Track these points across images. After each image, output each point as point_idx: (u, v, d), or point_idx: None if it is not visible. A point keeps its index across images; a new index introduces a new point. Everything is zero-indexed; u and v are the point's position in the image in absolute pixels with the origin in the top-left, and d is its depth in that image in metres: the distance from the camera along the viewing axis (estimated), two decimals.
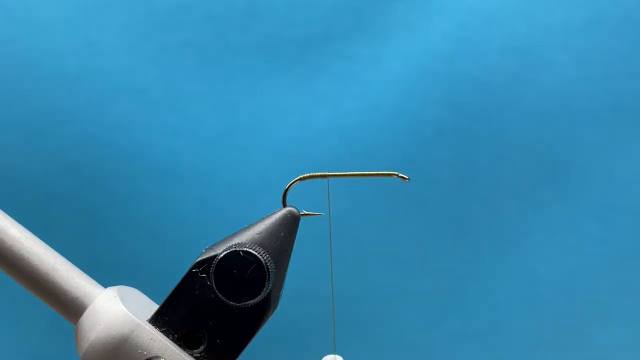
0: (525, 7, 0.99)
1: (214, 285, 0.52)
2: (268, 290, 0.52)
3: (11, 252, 0.53)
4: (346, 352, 0.64)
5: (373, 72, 0.99)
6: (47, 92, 0.97)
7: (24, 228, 0.55)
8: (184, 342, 0.52)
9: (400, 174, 0.57)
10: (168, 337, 0.52)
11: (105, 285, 0.56)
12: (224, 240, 0.54)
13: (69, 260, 0.55)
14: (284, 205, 0.56)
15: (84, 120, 0.97)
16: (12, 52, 0.96)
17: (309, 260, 0.81)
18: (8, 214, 0.55)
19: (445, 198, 1.01)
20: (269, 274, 0.52)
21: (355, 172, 0.57)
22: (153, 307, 0.55)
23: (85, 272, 0.55)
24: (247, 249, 0.52)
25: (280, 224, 0.54)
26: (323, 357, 0.61)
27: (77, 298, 0.53)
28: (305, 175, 0.56)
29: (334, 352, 0.61)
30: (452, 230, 1.01)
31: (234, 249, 0.52)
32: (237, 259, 0.52)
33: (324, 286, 0.94)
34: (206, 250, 0.53)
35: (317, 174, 0.57)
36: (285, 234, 0.54)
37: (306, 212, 0.56)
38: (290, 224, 0.54)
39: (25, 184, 0.97)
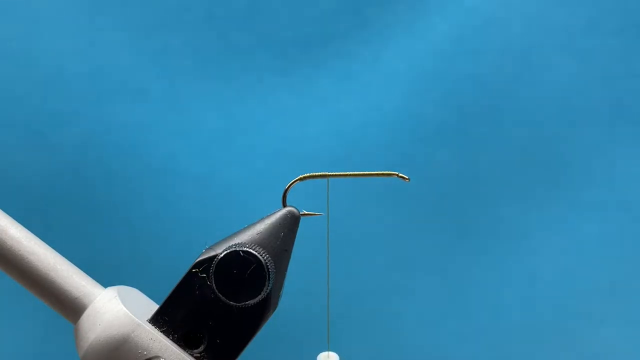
0: (525, 7, 0.99)
1: (214, 285, 0.52)
2: (268, 290, 0.52)
3: (11, 252, 0.53)
4: (346, 352, 0.64)
5: (373, 72, 0.99)
6: (47, 92, 0.97)
7: (24, 228, 0.55)
8: (184, 342, 0.52)
9: (400, 174, 0.57)
10: (168, 337, 0.52)
11: (105, 285, 0.56)
12: (224, 240, 0.54)
13: (69, 260, 0.55)
14: (284, 205, 0.56)
15: (84, 120, 0.97)
16: (12, 52, 0.96)
17: (309, 260, 0.81)
18: (8, 214, 0.56)
19: (445, 198, 1.01)
20: (269, 274, 0.52)
21: (355, 172, 0.57)
22: (153, 307, 0.55)
23: (86, 272, 0.55)
24: (247, 249, 0.52)
25: (280, 224, 0.54)
26: (318, 354, 0.61)
27: (77, 298, 0.53)
28: (305, 175, 0.56)
29: (328, 350, 0.61)
30: (452, 230, 1.01)
31: (234, 249, 0.52)
32: (237, 259, 0.52)
33: (324, 286, 0.93)
34: (206, 250, 0.53)
35: (317, 174, 0.57)
36: (285, 233, 0.54)
37: (306, 212, 0.56)
38: (290, 224, 0.54)
39: (25, 184, 0.97)
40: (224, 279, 0.52)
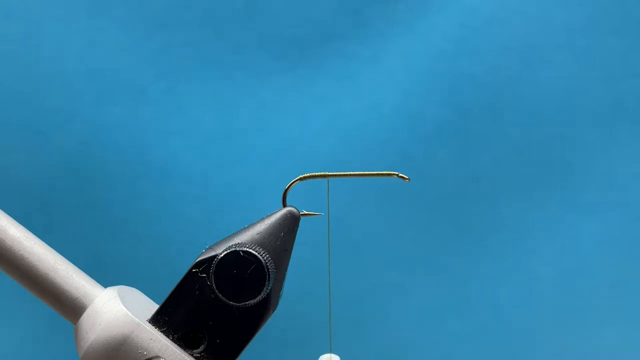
0: (525, 7, 0.99)
1: (214, 285, 0.52)
2: (268, 290, 0.52)
3: (11, 252, 0.53)
4: (346, 351, 0.64)
5: (373, 72, 0.99)
6: (47, 92, 0.97)
7: (24, 228, 0.55)
8: (184, 342, 0.52)
9: (400, 174, 0.57)
10: (168, 337, 0.52)
11: (105, 285, 0.56)
12: (224, 240, 0.54)
13: (69, 260, 0.55)
14: (284, 205, 0.56)
15: (84, 120, 0.97)
16: (13, 52, 0.96)
17: (309, 260, 0.81)
18: (8, 214, 0.55)
19: (445, 198, 1.01)
20: (269, 274, 0.52)
21: (355, 172, 0.57)
22: (153, 307, 0.55)
23: (86, 272, 0.55)
24: (247, 249, 0.52)
25: (280, 224, 0.54)
26: (320, 356, 0.61)
27: (76, 298, 0.53)
28: (305, 175, 0.56)
29: (330, 352, 0.61)
30: (452, 230, 1.01)
31: (234, 249, 0.52)
32: (237, 259, 0.52)
33: (324, 286, 0.93)
34: (206, 250, 0.53)
35: (317, 174, 0.57)
36: (285, 233, 0.54)
37: (306, 212, 0.56)
38: (290, 223, 0.54)
39: (26, 184, 0.97)
40: (224, 279, 0.52)
